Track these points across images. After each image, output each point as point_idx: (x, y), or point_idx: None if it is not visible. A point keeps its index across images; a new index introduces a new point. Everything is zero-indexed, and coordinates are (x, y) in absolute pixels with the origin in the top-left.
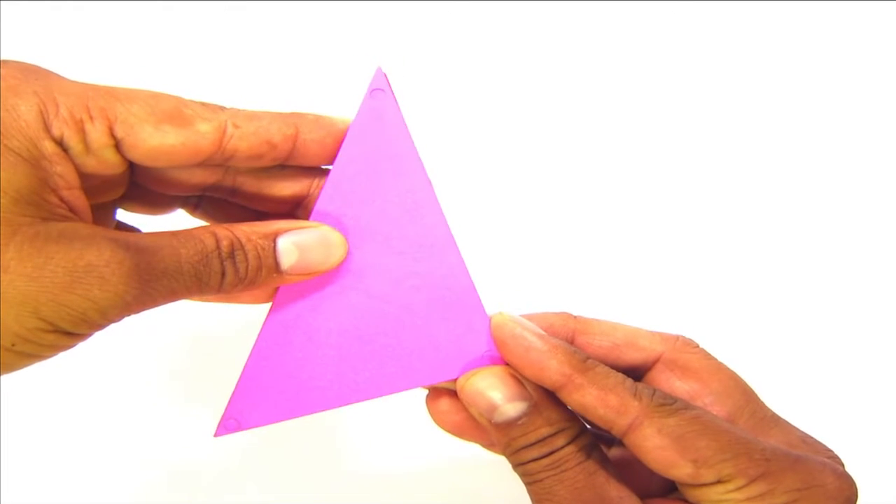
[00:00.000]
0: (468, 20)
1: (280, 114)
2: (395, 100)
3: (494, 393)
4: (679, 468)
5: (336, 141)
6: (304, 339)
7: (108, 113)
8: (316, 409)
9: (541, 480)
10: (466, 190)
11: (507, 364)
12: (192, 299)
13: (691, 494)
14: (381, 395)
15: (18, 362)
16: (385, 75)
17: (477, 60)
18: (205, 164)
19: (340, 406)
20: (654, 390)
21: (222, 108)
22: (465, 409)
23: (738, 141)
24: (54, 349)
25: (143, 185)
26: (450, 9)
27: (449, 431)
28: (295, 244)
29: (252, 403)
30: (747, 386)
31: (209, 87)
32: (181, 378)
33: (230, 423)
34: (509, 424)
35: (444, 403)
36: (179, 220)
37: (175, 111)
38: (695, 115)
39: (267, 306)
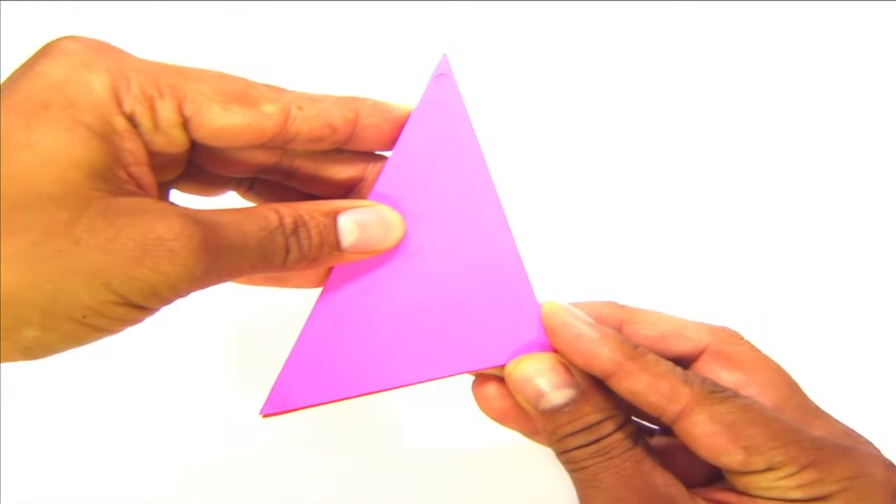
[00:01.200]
0: (527, 11)
1: (341, 98)
2: (457, 86)
3: (542, 380)
4: (730, 455)
5: (393, 127)
6: (355, 320)
7: (177, 91)
8: (364, 392)
9: (587, 468)
10: (520, 178)
11: (557, 352)
12: (251, 277)
13: (740, 482)
14: (429, 380)
15: (88, 335)
16: (449, 62)
17: (533, 50)
18: (266, 145)
19: (387, 389)
20: (704, 378)
21: (286, 91)
22: (511, 396)
23: (791, 130)
24: (123, 323)
25: (200, 165)
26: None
27: (493, 418)
28: (355, 222)
29: (300, 383)
30: (791, 379)
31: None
32: (221, 364)
33: (277, 401)
34: (556, 412)
35: (491, 389)
36: (231, 201)
37: (242, 92)
38: (752, 107)
39: (308, 293)
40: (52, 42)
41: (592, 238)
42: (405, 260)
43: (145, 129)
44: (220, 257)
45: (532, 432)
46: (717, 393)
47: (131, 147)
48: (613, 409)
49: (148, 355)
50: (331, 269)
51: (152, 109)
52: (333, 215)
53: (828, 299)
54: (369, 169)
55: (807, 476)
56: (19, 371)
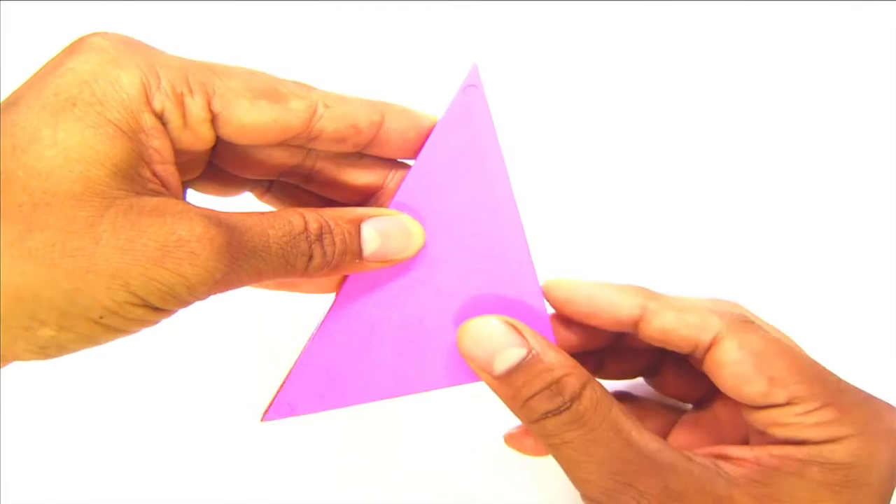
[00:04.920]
0: (552, 20)
1: (369, 100)
2: (485, 98)
3: (491, 342)
4: (753, 384)
5: (419, 135)
6: (367, 328)
7: (206, 87)
8: (373, 399)
9: (569, 442)
10: (540, 190)
11: (571, 321)
12: (272, 283)
13: (756, 418)
14: (439, 388)
15: (104, 336)
16: (479, 72)
17: (554, 58)
18: (290, 142)
19: (397, 397)
20: (734, 306)
21: (314, 88)
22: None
23: (830, 126)
24: (140, 324)
25: (220, 165)
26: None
27: (541, 455)
28: (378, 231)
29: (307, 389)
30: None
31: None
32: (222, 366)
33: (283, 407)
34: (511, 372)
35: (528, 444)
36: (246, 204)
37: (271, 88)
38: (771, 109)
39: (311, 298)
40: (82, 38)
41: (610, 253)
42: (422, 271)
43: (174, 126)
44: (241, 261)
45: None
46: (747, 323)
47: (158, 145)
48: (573, 367)
49: (151, 356)
50: (344, 275)
51: (182, 106)
52: (357, 223)
53: (837, 290)
54: (390, 176)
55: (826, 414)
56: (20, 370)
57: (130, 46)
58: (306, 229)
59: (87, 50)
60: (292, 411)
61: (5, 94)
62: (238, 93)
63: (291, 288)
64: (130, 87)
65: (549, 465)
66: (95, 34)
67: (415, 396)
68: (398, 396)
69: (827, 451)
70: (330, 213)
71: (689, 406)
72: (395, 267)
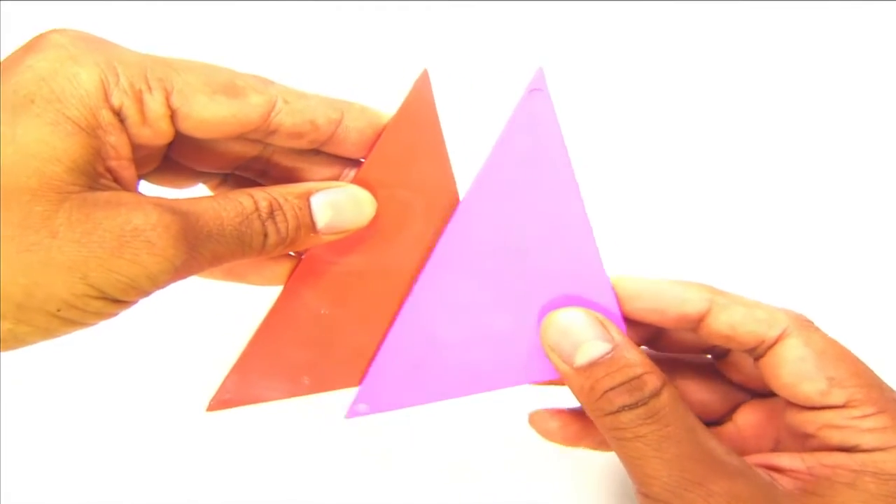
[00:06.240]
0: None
1: (328, 98)
2: (552, 102)
3: (578, 333)
4: (813, 382)
5: (376, 133)
6: (440, 332)
7: (165, 83)
8: (446, 397)
9: (641, 437)
10: (607, 195)
11: (636, 319)
12: (212, 270)
13: (808, 419)
14: (513, 385)
15: (62, 328)
16: (544, 76)
17: (612, 62)
18: (248, 136)
19: (468, 395)
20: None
21: (273, 83)
22: (572, 419)
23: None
24: (99, 316)
25: (177, 159)
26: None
27: (559, 443)
28: (328, 203)
29: (385, 387)
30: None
31: None
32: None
33: (361, 407)
34: (593, 365)
35: (553, 423)
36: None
37: (229, 82)
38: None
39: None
40: (40, 35)
41: (679, 257)
42: (493, 274)
43: (132, 122)
44: (199, 246)
45: (598, 443)
46: (810, 323)
47: (115, 141)
48: (651, 365)
49: (106, 346)
50: (294, 269)
51: (140, 102)
52: (306, 197)
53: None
54: (345, 174)
55: (881, 420)
56: None
57: (89, 43)
58: (257, 208)
59: (46, 47)
60: (371, 409)
61: None
62: (197, 88)
63: (241, 279)
64: (89, 84)
65: (547, 465)
66: (54, 31)
67: None
68: (472, 394)
69: (880, 461)
70: (278, 190)
71: None
72: (465, 272)
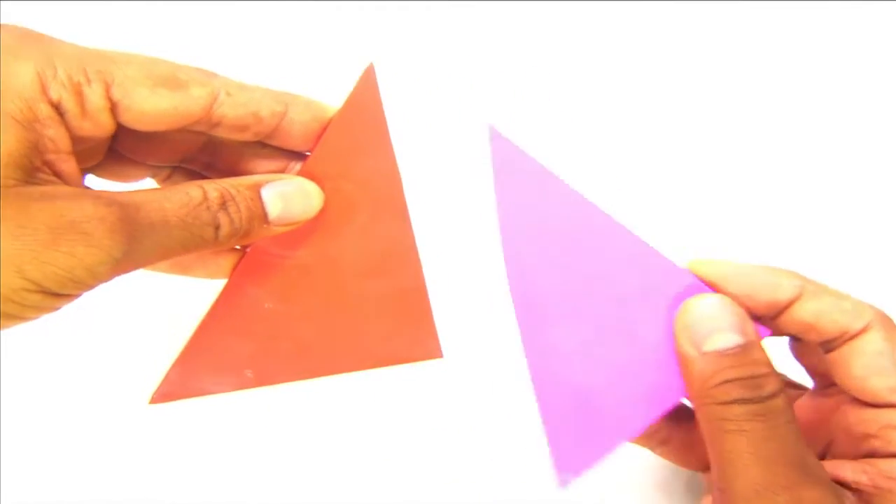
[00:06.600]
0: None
1: (272, 90)
2: (510, 140)
3: (718, 319)
4: (885, 378)
5: (321, 127)
6: (577, 377)
7: (105, 76)
8: (635, 431)
9: (745, 431)
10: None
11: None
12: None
13: (872, 417)
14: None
15: (0, 322)
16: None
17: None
18: (190, 128)
19: (650, 422)
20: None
21: (216, 75)
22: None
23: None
24: (38, 310)
25: (121, 152)
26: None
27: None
28: (278, 195)
29: (574, 451)
30: None
31: None
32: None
33: (568, 476)
34: (721, 354)
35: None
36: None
37: (171, 75)
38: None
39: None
40: None
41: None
42: (577, 317)
43: (72, 115)
44: (141, 238)
45: (659, 443)
46: (891, 319)
47: (53, 135)
48: (775, 370)
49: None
50: (238, 262)
51: (79, 95)
52: (257, 189)
53: None
54: (290, 167)
55: None
56: None
57: (27, 38)
58: (206, 199)
59: None
60: (580, 470)
61: None
62: (137, 81)
63: (185, 272)
64: (26, 77)
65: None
66: None
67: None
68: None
69: None
70: (229, 182)
71: None
72: (577, 322)
